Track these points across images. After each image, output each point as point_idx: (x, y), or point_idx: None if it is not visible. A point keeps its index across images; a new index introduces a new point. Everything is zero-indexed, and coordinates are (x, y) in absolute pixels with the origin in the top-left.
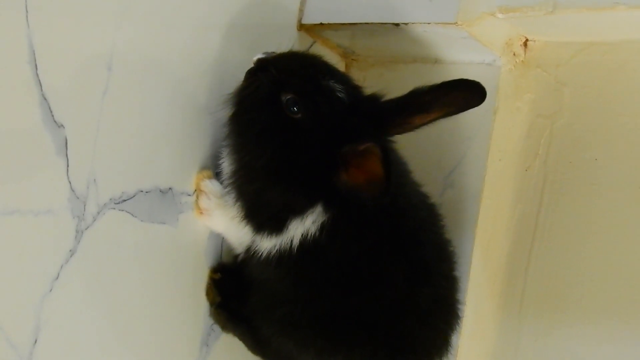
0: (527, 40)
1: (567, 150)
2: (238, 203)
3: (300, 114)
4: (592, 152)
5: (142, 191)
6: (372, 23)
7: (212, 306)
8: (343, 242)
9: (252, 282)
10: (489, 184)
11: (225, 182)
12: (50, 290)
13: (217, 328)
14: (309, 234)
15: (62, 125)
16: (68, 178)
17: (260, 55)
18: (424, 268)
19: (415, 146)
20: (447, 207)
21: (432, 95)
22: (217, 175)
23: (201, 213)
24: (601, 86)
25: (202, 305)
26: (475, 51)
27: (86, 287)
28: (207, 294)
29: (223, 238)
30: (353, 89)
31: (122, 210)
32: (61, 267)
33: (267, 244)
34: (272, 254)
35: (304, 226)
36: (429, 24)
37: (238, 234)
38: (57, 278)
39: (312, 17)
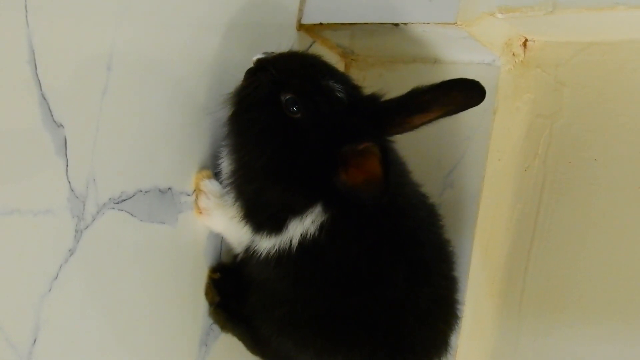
0: (526, 40)
1: (566, 150)
2: (237, 203)
3: (300, 113)
4: (592, 152)
5: (141, 191)
6: (371, 23)
7: (211, 306)
8: (342, 242)
9: (252, 281)
10: (488, 184)
11: (225, 182)
12: (50, 290)
13: (216, 328)
14: (308, 234)
15: (61, 125)
16: (67, 178)
17: (259, 55)
18: (423, 268)
19: (414, 146)
20: (447, 207)
21: (431, 94)
22: (216, 175)
23: (200, 213)
24: (601, 86)
25: (201, 305)
26: (474, 51)
27: (85, 286)
28: (207, 294)
29: (222, 238)
30: (352, 89)
31: (122, 210)
32: (60, 266)
33: (267, 244)
34: (272, 253)
35: (303, 226)
36: (428, 24)
37: (237, 233)
38: (56, 278)
39: (311, 17)
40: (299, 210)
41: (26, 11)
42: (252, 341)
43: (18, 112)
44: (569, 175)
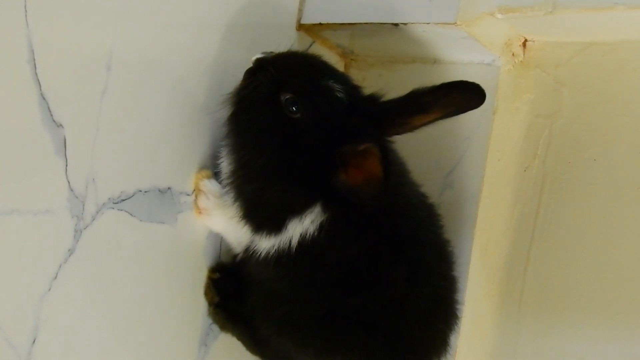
0: (526, 40)
1: (566, 150)
2: (237, 203)
3: (299, 113)
4: (591, 152)
5: (141, 191)
6: (371, 23)
7: (210, 306)
8: (342, 242)
9: (251, 281)
10: (487, 184)
11: (224, 182)
12: (49, 290)
13: (215, 328)
14: (308, 234)
15: (61, 125)
16: (67, 178)
17: (259, 55)
18: (422, 268)
19: (414, 146)
20: (446, 207)
21: (431, 96)
22: (216, 175)
23: (200, 213)
24: (600, 86)
25: (200, 305)
26: (474, 51)
27: (85, 286)
28: (206, 294)
29: (222, 238)
30: (352, 89)
31: (121, 210)
32: (60, 266)
33: (266, 244)
34: (271, 253)
35: (302, 226)
36: (428, 24)
37: (237, 233)
38: (55, 278)
39: (311, 17)
40: (298, 210)
41: (26, 11)
42: (251, 341)
43: (17, 112)
44: (569, 176)
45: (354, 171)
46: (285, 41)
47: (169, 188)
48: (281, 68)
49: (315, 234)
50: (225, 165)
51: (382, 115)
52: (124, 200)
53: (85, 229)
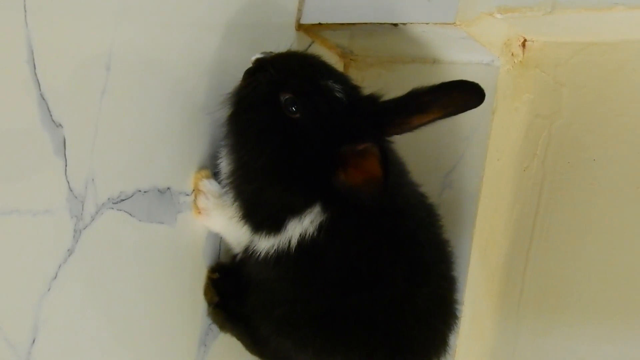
0: (525, 40)
1: (565, 150)
2: (236, 203)
3: (299, 113)
4: (591, 152)
5: (140, 191)
6: (370, 23)
7: (210, 306)
8: (341, 242)
9: (251, 281)
10: (487, 184)
11: (224, 182)
12: (49, 290)
13: (215, 328)
14: (307, 234)
15: (60, 125)
16: (66, 178)
17: (258, 55)
18: (422, 268)
19: (413, 146)
20: (446, 207)
21: (430, 95)
22: (215, 175)
23: (199, 213)
24: (600, 86)
25: (200, 305)
26: (473, 51)
27: (84, 286)
28: (205, 294)
29: (221, 238)
30: (352, 89)
31: (121, 210)
32: (59, 266)
33: (265, 244)
34: (270, 253)
35: (302, 226)
36: (427, 24)
37: (236, 233)
38: (55, 278)
39: (310, 17)
40: (298, 210)
41: (25, 11)
42: (251, 341)
43: (17, 112)
44: (568, 176)
45: (354, 171)
46: (284, 41)
47: (168, 188)
48: (281, 68)
49: (315, 234)
50: (225, 165)
51: (381, 115)
52: (123, 200)
53: (84, 229)
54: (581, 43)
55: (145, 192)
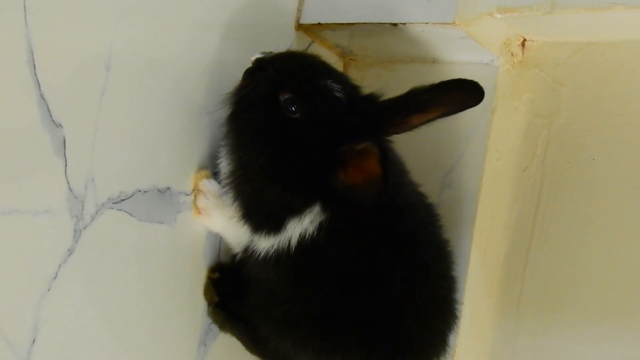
0: (525, 40)
1: (565, 150)
2: (236, 203)
3: (299, 113)
4: (590, 152)
5: (140, 191)
6: (370, 23)
7: (210, 305)
8: (341, 242)
9: (250, 281)
10: (486, 183)
11: (223, 182)
12: (49, 290)
13: (214, 327)
14: (307, 234)
15: (60, 125)
16: (66, 178)
17: (258, 55)
18: (421, 268)
19: (413, 146)
20: (445, 207)
21: (430, 95)
22: (215, 174)
23: (199, 213)
24: (599, 86)
25: (200, 304)
26: (473, 51)
27: (84, 286)
28: (205, 294)
29: (221, 238)
30: (351, 89)
31: (120, 210)
32: (59, 266)
33: (265, 244)
34: (270, 253)
35: (301, 226)
36: (427, 24)
37: (236, 233)
38: (55, 278)
39: (310, 17)
40: (297, 210)
41: (25, 11)
42: (250, 341)
43: (17, 112)
44: (568, 175)
45: (353, 171)
46: (284, 41)
47: (168, 188)
48: (280, 68)
49: (315, 233)
50: (225, 165)
51: (381, 114)
52: (123, 200)
53: (84, 229)
54: (580, 43)
55: (145, 192)
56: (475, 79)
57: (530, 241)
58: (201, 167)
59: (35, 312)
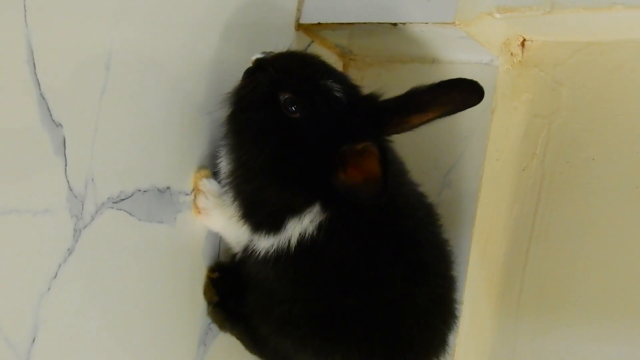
0: (524, 40)
1: (564, 149)
2: (236, 202)
3: (298, 113)
4: (590, 151)
5: (140, 190)
6: (369, 23)
7: (209, 305)
8: (341, 242)
9: (250, 281)
10: (486, 183)
11: (223, 182)
12: (49, 290)
13: (214, 327)
14: (307, 233)
15: (60, 125)
16: (66, 177)
17: (258, 55)
18: (421, 268)
19: (412, 146)
20: (445, 207)
21: (430, 94)
22: (215, 174)
23: (199, 212)
24: (599, 86)
25: (199, 304)
26: (473, 51)
27: (84, 286)
28: (205, 293)
29: (221, 237)
30: (351, 89)
31: (120, 210)
32: (59, 266)
33: (265, 243)
34: (270, 253)
35: (301, 225)
36: (426, 23)
37: (236, 233)
38: (55, 277)
39: (309, 17)
40: (297, 210)
41: (25, 11)
42: (250, 340)
43: (17, 111)
44: (567, 175)
45: (353, 170)
46: (284, 41)
47: (168, 188)
48: (280, 68)
49: (314, 233)
50: (224, 164)
51: (380, 114)
52: (123, 199)
53: (84, 228)
54: (580, 43)
55: (145, 191)
56: (474, 79)
57: (529, 241)
58: (201, 167)
59: (35, 312)
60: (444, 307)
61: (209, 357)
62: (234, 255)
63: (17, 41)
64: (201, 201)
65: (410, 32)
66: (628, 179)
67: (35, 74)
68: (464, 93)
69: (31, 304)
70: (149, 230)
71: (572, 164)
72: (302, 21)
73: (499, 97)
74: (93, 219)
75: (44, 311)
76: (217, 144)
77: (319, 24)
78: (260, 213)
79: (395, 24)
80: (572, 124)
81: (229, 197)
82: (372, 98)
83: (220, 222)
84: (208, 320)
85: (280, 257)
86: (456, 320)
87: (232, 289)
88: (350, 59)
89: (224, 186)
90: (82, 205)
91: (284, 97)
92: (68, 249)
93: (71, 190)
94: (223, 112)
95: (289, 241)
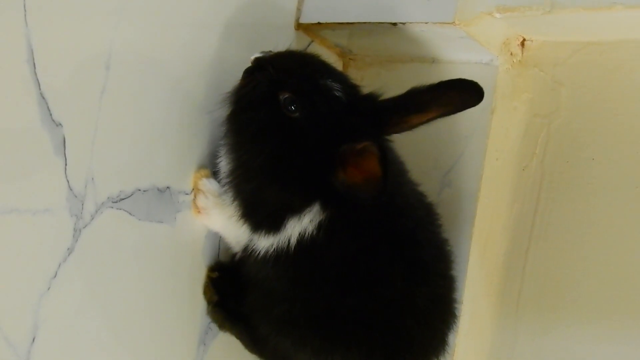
0: (524, 39)
1: (564, 149)
2: (235, 202)
3: (298, 113)
4: (589, 151)
5: (139, 190)
6: (369, 22)
7: (209, 305)
8: (340, 241)
9: (250, 280)
10: (486, 183)
11: (223, 181)
12: (49, 289)
13: (214, 327)
14: (307, 233)
15: (60, 124)
16: (66, 177)
17: (258, 55)
18: (421, 267)
19: (412, 145)
20: (445, 207)
21: (429, 94)
22: (214, 174)
23: (199, 212)
24: (598, 86)
25: (199, 304)
26: (472, 51)
27: (84, 285)
28: (205, 293)
29: (220, 237)
30: (351, 88)
31: (120, 209)
32: (59, 265)
33: (265, 243)
34: (270, 252)
35: (301, 225)
36: (426, 23)
37: (235, 232)
38: (55, 277)
39: (309, 17)
40: (297, 209)
41: (25, 10)
42: (250, 340)
43: (17, 111)
44: (567, 175)
45: (353, 170)
46: (283, 40)
47: (167, 187)
48: (280, 67)
49: (314, 233)
50: (224, 164)
51: (380, 114)
52: (123, 199)
53: (84, 228)
54: (580, 42)
55: (144, 191)
56: (474, 79)
57: (529, 240)
58: (201, 167)
59: (35, 311)
60: (444, 306)
61: (209, 356)
62: (234, 254)
63: (17, 41)
64: (201, 201)
65: (410, 32)
66: (628, 179)
67: (35, 73)
68: (463, 93)
69: (31, 304)
70: (149, 229)
71: (572, 163)
72: (302, 21)
73: (499, 97)
74: (93, 219)
75: (43, 311)
76: (217, 143)
77: (318, 23)
78: (260, 212)
79: (395, 24)
80: (572, 124)
81: (228, 197)
82: (371, 98)
83: (220, 221)
84: (208, 319)
85: (280, 256)
86: (456, 320)
87: (231, 289)
88: (350, 58)
89: (223, 186)
90: (82, 204)
91: (283, 96)
92: (68, 249)
93: (71, 189)
94: (223, 112)
95: (289, 241)
